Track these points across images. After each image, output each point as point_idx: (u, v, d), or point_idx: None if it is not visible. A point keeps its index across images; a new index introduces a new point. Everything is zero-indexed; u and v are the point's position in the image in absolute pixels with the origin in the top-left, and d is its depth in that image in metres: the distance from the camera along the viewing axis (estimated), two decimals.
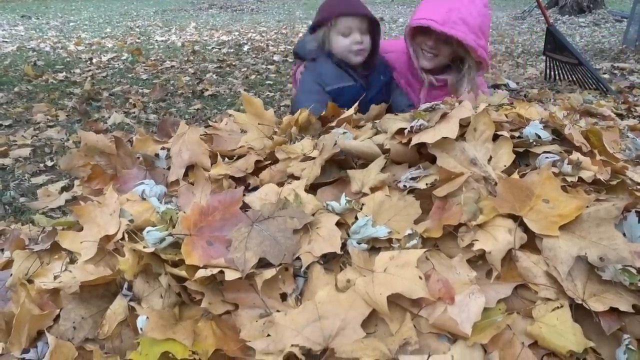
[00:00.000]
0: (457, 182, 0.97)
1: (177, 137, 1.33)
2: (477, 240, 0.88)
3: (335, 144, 1.15)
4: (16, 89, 5.06)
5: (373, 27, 1.92)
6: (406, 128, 1.10)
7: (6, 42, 8.48)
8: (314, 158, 1.15)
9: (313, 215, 1.00)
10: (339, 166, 1.17)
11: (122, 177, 1.29)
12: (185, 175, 1.28)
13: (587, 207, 0.90)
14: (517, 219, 0.92)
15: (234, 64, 6.54)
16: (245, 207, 1.06)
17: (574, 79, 4.64)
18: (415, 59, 1.91)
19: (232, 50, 7.68)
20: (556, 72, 4.87)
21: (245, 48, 7.80)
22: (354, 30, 1.86)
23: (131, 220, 1.10)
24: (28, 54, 7.32)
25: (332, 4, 1.92)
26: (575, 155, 1.04)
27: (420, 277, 0.82)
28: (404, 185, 1.05)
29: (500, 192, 0.94)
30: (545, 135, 1.11)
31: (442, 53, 1.83)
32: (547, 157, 1.05)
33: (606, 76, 4.94)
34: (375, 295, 0.81)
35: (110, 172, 1.33)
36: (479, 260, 0.90)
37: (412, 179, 1.05)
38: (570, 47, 4.49)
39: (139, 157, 1.33)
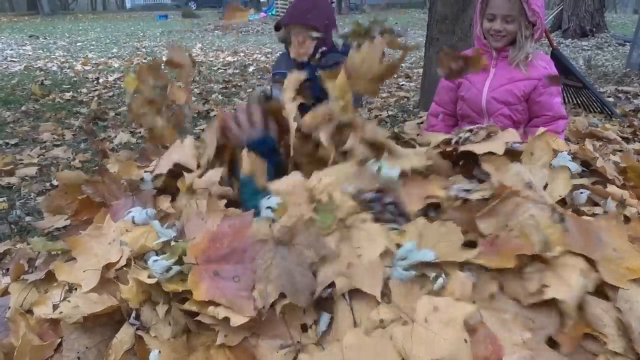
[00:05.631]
0: (514, 201, 0.88)
1: (172, 147, 1.37)
2: (547, 285, 0.78)
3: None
4: (23, 108, 5.10)
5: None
6: (452, 138, 1.08)
7: (14, 61, 8.60)
8: None
9: (346, 219, 0.92)
10: None
11: (112, 209, 1.25)
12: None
13: None
14: (588, 260, 0.83)
15: (239, 84, 6.58)
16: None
17: (579, 102, 4.64)
18: (487, 44, 2.16)
19: (237, 71, 7.75)
20: (561, 96, 4.88)
21: (251, 69, 7.87)
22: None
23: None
24: (35, 73, 7.40)
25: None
26: (613, 189, 1.01)
27: (466, 340, 0.74)
28: (456, 195, 0.98)
29: (573, 231, 0.86)
30: (575, 167, 1.07)
31: (508, 32, 2.07)
32: (582, 193, 1.02)
33: (611, 99, 4.95)
34: (413, 355, 0.74)
35: (98, 199, 1.32)
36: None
37: (466, 190, 0.99)
38: (575, 70, 4.51)
39: (124, 183, 1.33)
